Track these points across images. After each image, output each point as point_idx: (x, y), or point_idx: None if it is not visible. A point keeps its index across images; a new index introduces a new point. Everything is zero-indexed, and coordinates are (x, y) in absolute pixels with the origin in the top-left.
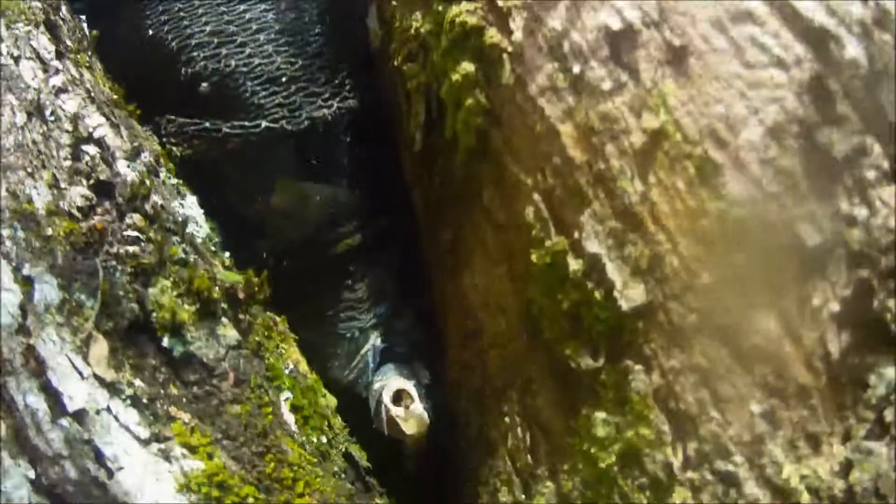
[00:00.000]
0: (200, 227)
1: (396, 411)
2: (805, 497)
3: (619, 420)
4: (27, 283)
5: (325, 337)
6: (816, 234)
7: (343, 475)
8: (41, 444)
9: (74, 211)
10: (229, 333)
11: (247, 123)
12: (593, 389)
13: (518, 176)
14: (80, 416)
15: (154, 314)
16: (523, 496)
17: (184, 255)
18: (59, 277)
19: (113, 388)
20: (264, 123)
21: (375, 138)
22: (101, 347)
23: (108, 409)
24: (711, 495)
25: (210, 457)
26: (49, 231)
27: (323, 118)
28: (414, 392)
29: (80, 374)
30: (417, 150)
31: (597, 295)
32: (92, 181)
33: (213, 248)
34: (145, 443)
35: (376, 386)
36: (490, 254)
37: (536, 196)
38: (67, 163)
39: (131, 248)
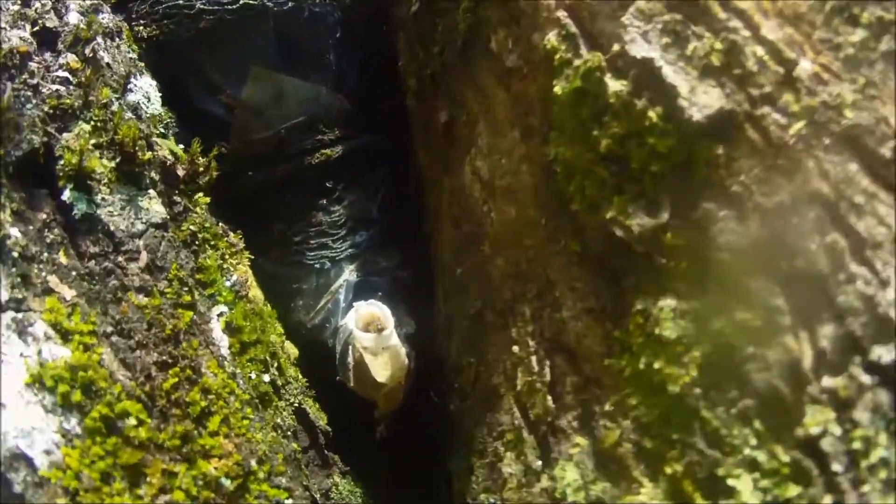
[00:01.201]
0: (151, 103)
1: (364, 339)
2: None
3: (698, 305)
4: None
5: (289, 268)
6: None
7: (289, 434)
8: None
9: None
10: (154, 208)
11: None
12: (652, 267)
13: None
14: None
15: (60, 160)
16: (539, 462)
17: (116, 104)
18: None
19: None
20: None
21: (368, 31)
22: None
23: None
24: (869, 411)
25: (86, 349)
26: None
27: None
28: (388, 317)
29: None
30: (414, 13)
31: (652, 116)
32: (36, 28)
33: (160, 130)
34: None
35: (344, 321)
36: (497, 121)
37: (561, 13)
38: (15, 7)
39: (56, 87)
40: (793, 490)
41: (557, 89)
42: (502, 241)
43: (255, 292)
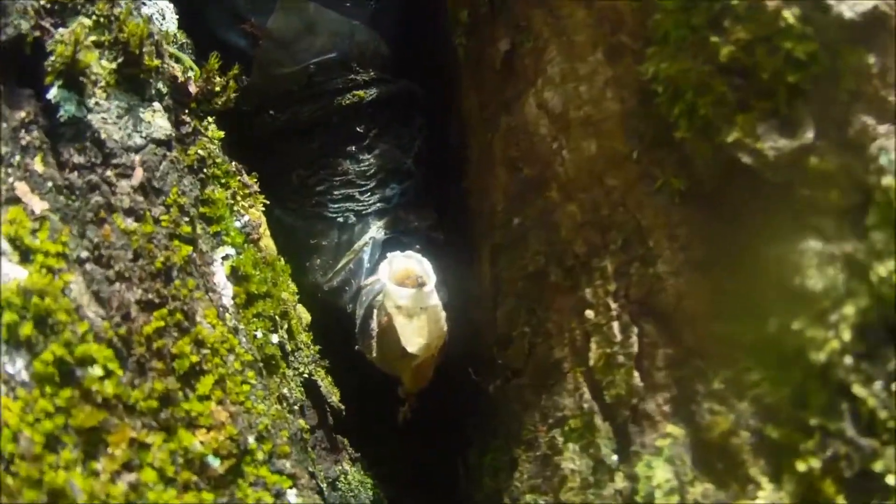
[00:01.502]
0: (166, 21)
1: (400, 295)
2: None
3: (853, 248)
4: None
5: (307, 221)
6: None
7: (295, 410)
8: None
9: None
10: (158, 122)
11: None
12: (790, 200)
13: None
14: None
15: (51, 56)
16: (615, 457)
17: (124, 3)
18: None
19: None
20: None
21: None
22: None
23: None
24: None
25: (51, 273)
26: None
27: None
28: (430, 272)
29: None
30: None
31: (787, 16)
32: None
33: (173, 49)
34: None
35: (368, 282)
36: (573, 44)
37: None
38: None
39: None
40: None
41: None
42: (576, 184)
43: (268, 241)
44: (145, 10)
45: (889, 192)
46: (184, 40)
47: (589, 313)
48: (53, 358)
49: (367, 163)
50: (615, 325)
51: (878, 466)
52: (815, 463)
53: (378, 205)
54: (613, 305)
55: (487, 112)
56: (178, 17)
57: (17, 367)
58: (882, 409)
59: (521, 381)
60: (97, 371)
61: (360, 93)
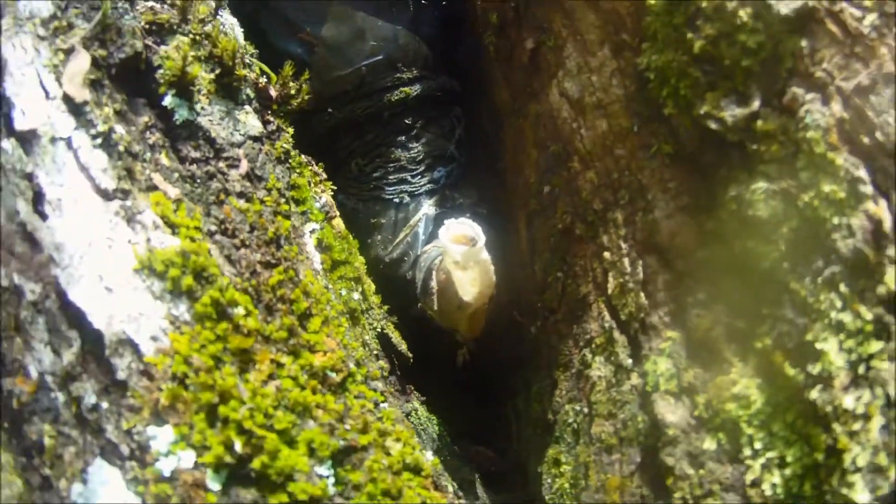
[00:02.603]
0: (237, 34)
1: (456, 251)
2: None
3: (787, 185)
4: None
5: (367, 203)
6: None
7: (373, 354)
8: None
9: None
10: (251, 122)
11: None
12: (744, 154)
13: None
14: (27, 138)
15: (160, 69)
16: (630, 360)
17: (212, 18)
18: None
19: (82, 116)
20: None
21: None
22: (81, 61)
23: (69, 143)
24: None
25: (193, 241)
26: None
27: None
28: (479, 233)
29: (46, 92)
30: None
31: (742, 15)
32: None
33: (247, 59)
34: (107, 196)
35: (426, 249)
36: (586, 42)
37: None
38: None
39: (150, 3)
40: (875, 346)
41: (651, 0)
42: (593, 155)
43: (338, 221)
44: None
45: (812, 142)
46: (252, 50)
47: (606, 255)
48: (211, 301)
49: (416, 150)
50: (626, 260)
51: (809, 337)
52: (768, 341)
53: (428, 186)
54: (624, 246)
55: (518, 102)
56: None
57: (181, 309)
58: (810, 296)
59: (556, 318)
60: (241, 311)
61: (406, 90)
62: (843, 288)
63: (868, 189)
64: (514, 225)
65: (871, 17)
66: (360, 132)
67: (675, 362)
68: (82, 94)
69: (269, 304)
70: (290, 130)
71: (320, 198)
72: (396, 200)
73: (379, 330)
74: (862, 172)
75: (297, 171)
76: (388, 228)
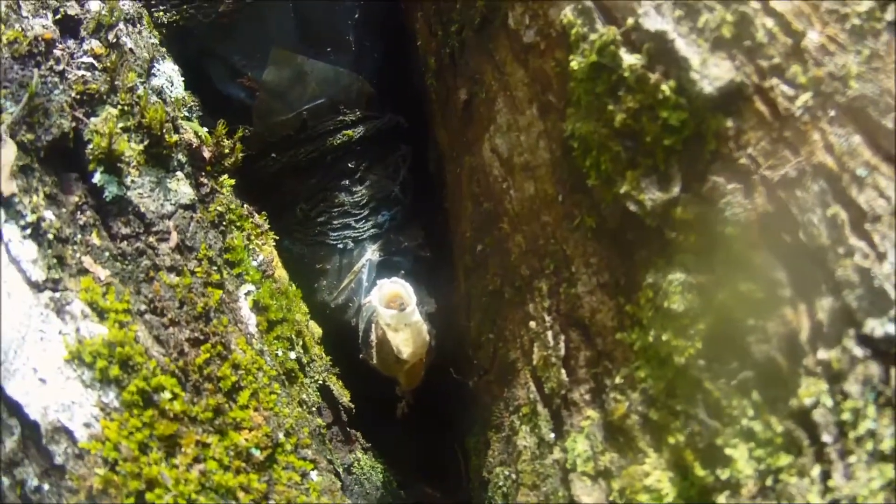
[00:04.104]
0: (175, 87)
1: (387, 315)
2: None
3: (704, 279)
4: None
5: (312, 248)
6: None
7: (313, 410)
8: None
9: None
10: (182, 189)
11: None
12: (663, 241)
13: None
14: None
15: (89, 144)
16: (552, 434)
17: (141, 87)
18: None
19: (11, 208)
20: None
21: (387, 13)
22: (7, 153)
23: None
24: (860, 383)
25: (121, 327)
26: None
27: None
28: (411, 294)
29: None
30: None
31: (665, 89)
32: (58, 15)
33: (185, 113)
34: (37, 288)
35: (367, 299)
36: (515, 98)
37: None
38: None
39: (82, 73)
40: (784, 459)
41: (574, 64)
42: (521, 218)
43: (281, 272)
44: (156, 81)
45: (730, 238)
46: (191, 102)
47: (532, 323)
48: (136, 389)
49: (359, 194)
50: (549, 333)
51: (719, 441)
52: (681, 438)
53: (372, 230)
54: (548, 318)
55: (455, 150)
56: (183, 77)
57: (111, 397)
58: (723, 398)
59: (489, 378)
60: (167, 395)
61: (349, 132)
62: (755, 395)
63: (786, 292)
64: (456, 272)
65: (805, 97)
66: (303, 176)
67: (593, 444)
68: (9, 187)
69: (196, 384)
70: (231, 182)
71: (258, 256)
72: (340, 246)
73: (321, 382)
74: (781, 274)
75: (237, 224)
76: (333, 274)
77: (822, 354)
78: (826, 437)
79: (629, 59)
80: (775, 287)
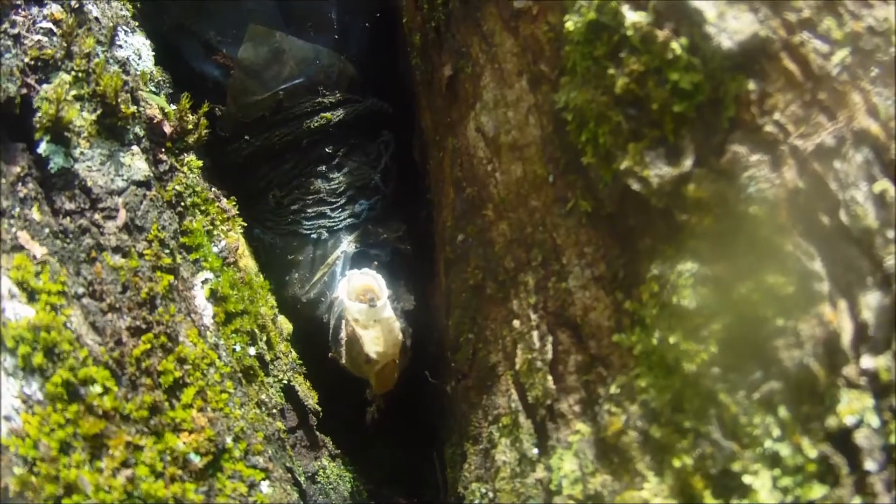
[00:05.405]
0: (143, 60)
1: (355, 310)
2: None
3: (722, 270)
4: None
5: (284, 238)
6: None
7: (274, 413)
8: None
9: None
10: (136, 165)
11: None
12: (672, 224)
13: None
14: None
15: (38, 112)
16: (535, 450)
17: (102, 54)
18: None
19: None
20: None
21: None
22: None
23: None
24: None
25: (52, 310)
26: None
27: None
28: (383, 287)
29: None
30: None
31: (675, 47)
32: None
33: (151, 88)
34: None
35: (337, 293)
36: (503, 71)
37: None
38: None
39: (38, 38)
40: (818, 491)
41: (569, 25)
42: (507, 204)
43: (247, 262)
44: (121, 53)
45: (755, 220)
46: (160, 77)
47: (515, 322)
48: (61, 381)
49: (336, 181)
50: (535, 333)
51: (735, 467)
52: (688, 460)
53: (348, 220)
54: (533, 316)
55: (438, 133)
56: (154, 52)
57: (33, 388)
58: (742, 415)
59: (467, 383)
60: (97, 389)
61: (328, 115)
62: (782, 412)
63: (823, 287)
64: (437, 266)
65: (842, 54)
66: (277, 161)
67: (582, 463)
68: None
69: (132, 378)
70: (197, 163)
71: (220, 241)
72: (314, 236)
73: (286, 382)
74: (817, 265)
75: (201, 208)
76: (306, 266)
77: (868, 363)
78: (869, 465)
79: (633, 16)
80: (810, 280)
